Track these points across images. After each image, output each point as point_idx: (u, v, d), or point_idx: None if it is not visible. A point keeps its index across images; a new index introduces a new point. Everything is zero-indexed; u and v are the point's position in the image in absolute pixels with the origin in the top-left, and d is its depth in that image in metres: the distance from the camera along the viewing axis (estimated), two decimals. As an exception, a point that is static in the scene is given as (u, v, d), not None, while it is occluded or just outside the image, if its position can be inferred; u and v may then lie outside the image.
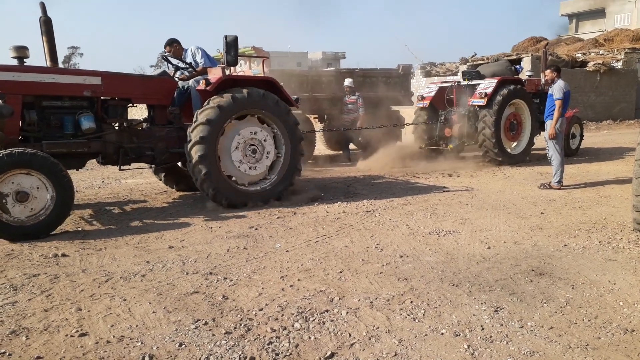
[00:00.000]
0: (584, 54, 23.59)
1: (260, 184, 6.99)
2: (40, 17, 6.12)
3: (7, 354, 2.94)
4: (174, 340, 3.07)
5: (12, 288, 3.93)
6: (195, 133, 6.33)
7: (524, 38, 29.54)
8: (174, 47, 7.62)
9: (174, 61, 7.60)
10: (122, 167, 6.81)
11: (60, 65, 6.81)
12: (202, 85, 6.77)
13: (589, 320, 3.27)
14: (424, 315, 3.37)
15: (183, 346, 3.00)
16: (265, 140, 6.88)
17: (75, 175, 8.74)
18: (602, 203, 6.65)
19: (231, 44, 6.47)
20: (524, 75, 12.84)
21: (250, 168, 6.83)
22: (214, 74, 6.95)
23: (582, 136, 11.94)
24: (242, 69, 10.80)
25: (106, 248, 5.01)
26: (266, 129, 6.95)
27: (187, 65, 7.48)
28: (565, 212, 6.22)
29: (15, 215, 5.27)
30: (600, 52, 23.57)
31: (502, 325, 3.21)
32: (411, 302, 3.57)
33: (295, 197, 7.24)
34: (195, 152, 6.30)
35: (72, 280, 4.08)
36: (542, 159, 10.73)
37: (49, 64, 6.27)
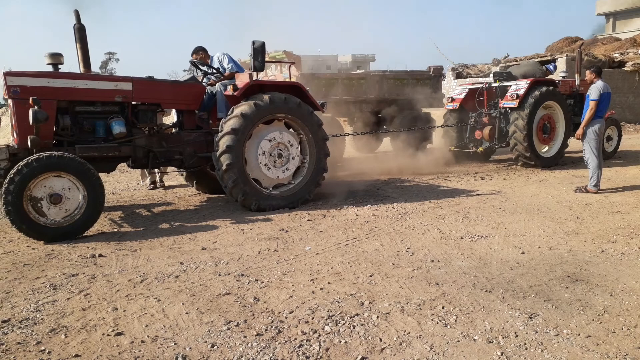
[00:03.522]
0: (621, 53, 22.84)
1: (288, 187, 7.06)
2: (75, 25, 6.30)
3: (47, 351, 3.04)
4: (206, 341, 3.12)
5: (52, 287, 4.07)
6: (222, 142, 6.46)
7: (559, 38, 28.86)
8: (200, 54, 7.78)
9: (203, 67, 7.73)
10: (152, 171, 6.96)
11: (98, 70, 7.05)
12: (229, 91, 6.87)
13: (628, 329, 3.17)
14: (455, 321, 3.33)
15: (215, 347, 3.05)
16: (290, 143, 6.94)
17: (111, 177, 9.00)
18: (641, 208, 6.44)
19: (258, 50, 6.56)
20: (557, 76, 12.55)
21: (277, 171, 6.90)
22: (241, 79, 7.05)
23: (619, 137, 11.59)
24: (274, 73, 10.91)
25: (141, 249, 5.13)
26: (291, 132, 7.02)
27: (215, 71, 7.60)
28: (603, 216, 6.05)
29: (52, 218, 5.45)
30: (639, 52, 22.79)
31: (536, 332, 3.15)
32: (443, 307, 3.54)
33: (324, 199, 7.26)
34: (224, 161, 6.43)
35: (109, 281, 4.20)
36: (578, 162, 10.47)
37: (82, 70, 6.45)
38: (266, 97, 6.62)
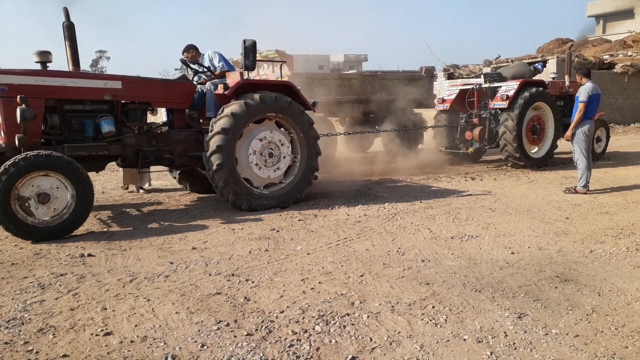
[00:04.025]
0: (611, 55, 23.05)
1: (279, 186, 7.05)
2: (64, 22, 6.24)
3: (35, 351, 3.01)
4: (196, 341, 3.10)
5: (40, 287, 4.03)
6: (212, 142, 6.43)
7: (550, 39, 29.08)
8: (191, 52, 7.73)
9: (194, 65, 7.70)
10: (142, 170, 6.91)
11: (88, 68, 6.98)
12: (220, 90, 6.84)
13: (615, 329, 3.20)
14: (446, 320, 3.34)
15: (205, 347, 3.04)
16: (281, 142, 6.93)
17: (101, 177, 8.94)
18: (630, 208, 6.50)
19: (250, 49, 6.53)
20: (547, 76, 12.64)
21: (267, 170, 6.89)
22: (232, 78, 7.03)
23: (608, 138, 11.70)
24: (266, 72, 10.89)
25: (131, 249, 5.10)
26: (282, 132, 7.01)
27: (206, 69, 7.57)
28: (592, 217, 6.10)
29: (40, 217, 5.40)
30: (629, 54, 23.00)
31: (525, 332, 3.17)
32: (433, 307, 3.55)
33: (315, 199, 7.26)
34: (214, 161, 6.41)
35: (98, 280, 4.17)
36: (567, 163, 10.55)
37: (71, 68, 6.39)
38: (257, 96, 6.60)
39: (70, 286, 4.04)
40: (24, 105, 5.49)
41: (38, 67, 6.08)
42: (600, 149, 11.51)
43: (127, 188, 8.66)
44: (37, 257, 4.83)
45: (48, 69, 6.12)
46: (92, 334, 3.21)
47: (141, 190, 8.47)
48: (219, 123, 6.45)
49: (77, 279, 4.19)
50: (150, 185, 8.83)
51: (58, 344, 3.10)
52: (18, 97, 5.51)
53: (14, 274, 4.36)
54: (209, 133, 6.49)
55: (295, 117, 6.93)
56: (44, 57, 6.06)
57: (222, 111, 6.54)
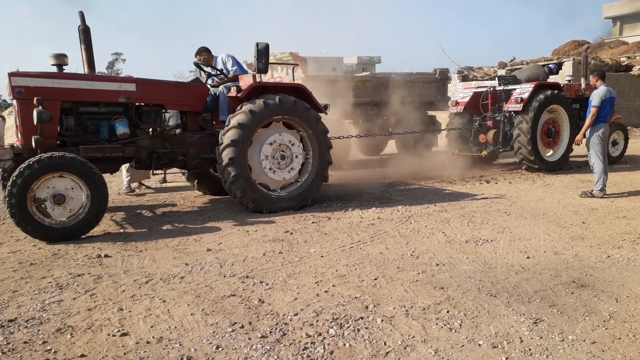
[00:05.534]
0: (628, 57, 22.77)
1: (295, 185, 7.09)
2: (79, 26, 6.32)
3: (53, 351, 3.06)
4: (211, 343, 3.13)
5: (58, 287, 4.09)
6: (224, 155, 6.49)
7: (566, 41, 28.77)
8: (204, 55, 7.77)
9: (207, 68, 7.75)
10: (155, 172, 6.98)
11: (104, 70, 7.05)
12: (233, 92, 6.89)
13: (633, 336, 3.16)
14: (460, 325, 3.33)
15: (220, 349, 3.06)
16: (291, 143, 6.97)
17: (117, 178, 9.04)
18: (647, 213, 6.41)
19: (262, 52, 6.58)
20: (562, 78, 12.51)
21: (282, 173, 6.93)
22: (245, 81, 7.07)
23: (626, 141, 11.54)
24: (280, 74, 10.93)
25: (146, 250, 5.15)
26: (290, 132, 7.04)
27: (219, 72, 7.62)
28: (609, 221, 6.03)
29: (57, 218, 5.48)
30: (646, 56, 22.69)
31: (541, 338, 3.14)
32: (447, 311, 3.53)
33: (329, 201, 7.27)
34: (230, 172, 6.47)
35: (114, 281, 4.22)
36: (583, 166, 10.44)
37: (86, 71, 6.47)
38: (260, 102, 6.62)
39: (87, 286, 4.10)
40: (40, 107, 5.57)
41: (54, 69, 6.16)
42: (618, 153, 11.35)
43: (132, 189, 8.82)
44: (55, 258, 4.90)
45: (64, 71, 6.21)
46: (109, 335, 3.25)
47: (137, 189, 8.65)
48: (228, 135, 6.49)
49: (94, 280, 4.25)
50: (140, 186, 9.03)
51: (76, 344, 3.14)
52: (35, 99, 5.60)
53: (33, 274, 4.43)
54: (220, 145, 6.55)
55: (301, 115, 6.95)
56: (60, 59, 6.15)
57: (229, 122, 6.58)
